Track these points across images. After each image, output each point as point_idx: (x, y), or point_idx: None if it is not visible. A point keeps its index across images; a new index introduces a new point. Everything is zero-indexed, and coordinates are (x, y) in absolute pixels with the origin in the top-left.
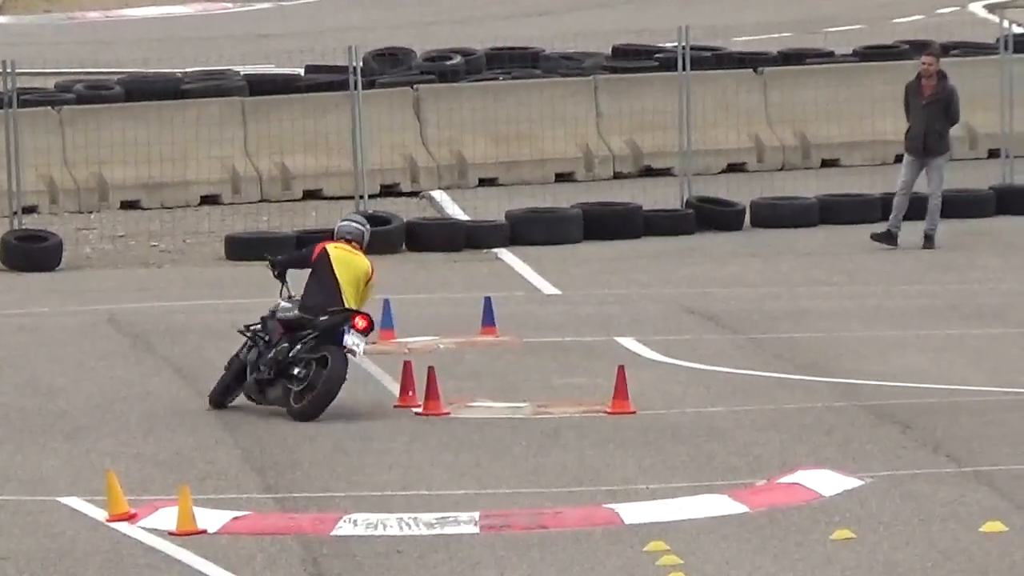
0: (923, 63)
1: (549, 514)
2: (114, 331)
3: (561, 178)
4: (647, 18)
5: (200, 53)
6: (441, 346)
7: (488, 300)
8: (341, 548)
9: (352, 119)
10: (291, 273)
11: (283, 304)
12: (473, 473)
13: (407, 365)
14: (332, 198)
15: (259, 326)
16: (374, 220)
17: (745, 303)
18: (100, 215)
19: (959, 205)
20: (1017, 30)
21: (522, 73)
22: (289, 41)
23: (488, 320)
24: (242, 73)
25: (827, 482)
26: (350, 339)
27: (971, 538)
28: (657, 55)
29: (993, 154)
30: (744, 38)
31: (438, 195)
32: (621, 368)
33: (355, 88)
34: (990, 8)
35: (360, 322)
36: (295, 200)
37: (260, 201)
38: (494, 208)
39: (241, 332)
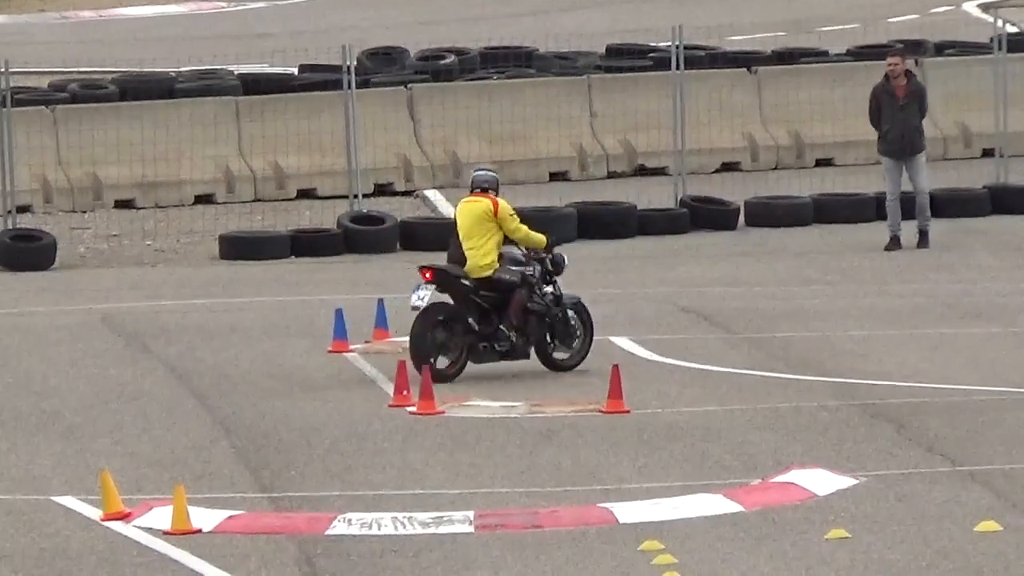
0: (890, 64)
1: (544, 513)
2: (108, 330)
3: (555, 177)
4: (641, 18)
5: (194, 52)
6: None
7: None
8: (336, 547)
9: (346, 118)
10: None
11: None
12: (467, 472)
13: (401, 364)
14: (326, 197)
15: None
16: (368, 220)
17: (739, 302)
18: (94, 214)
19: (953, 204)
20: (1011, 29)
21: (516, 72)
22: (283, 40)
23: None
24: (236, 72)
25: (822, 481)
26: (414, 296)
27: (966, 537)
28: (651, 54)
29: (987, 153)
30: (738, 37)
31: (432, 194)
32: (615, 367)
33: (349, 87)
34: (984, 7)
35: (426, 273)
36: (289, 199)
37: (254, 200)
38: None
39: None
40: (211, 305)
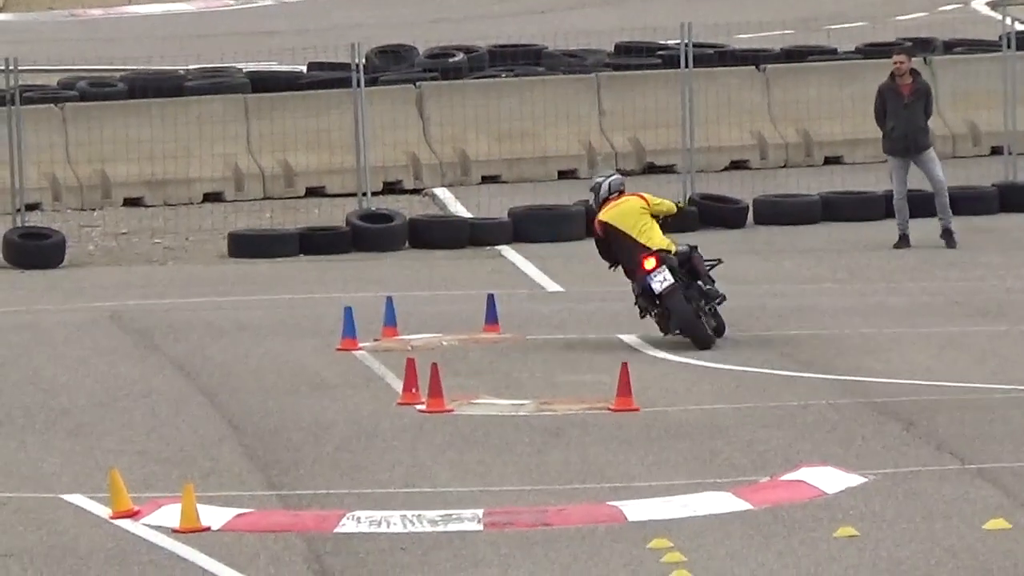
0: (896, 63)
1: (553, 511)
2: (117, 328)
3: (564, 175)
4: (649, 15)
5: (203, 50)
6: (444, 343)
7: (491, 297)
8: (345, 545)
9: (355, 116)
10: None
11: None
12: (476, 470)
13: (410, 362)
14: (335, 195)
15: None
16: (377, 218)
17: (748, 300)
18: (103, 212)
19: (962, 202)
20: (1020, 27)
21: (525, 70)
22: (292, 38)
23: (491, 317)
24: (245, 70)
25: (830, 479)
26: (655, 283)
27: (975, 535)
28: (660, 52)
29: (996, 151)
30: (747, 35)
31: (441, 192)
32: (624, 365)
33: (358, 85)
34: (992, 5)
35: (648, 263)
36: (298, 197)
37: (263, 198)
38: (497, 205)
39: None
40: (220, 303)
